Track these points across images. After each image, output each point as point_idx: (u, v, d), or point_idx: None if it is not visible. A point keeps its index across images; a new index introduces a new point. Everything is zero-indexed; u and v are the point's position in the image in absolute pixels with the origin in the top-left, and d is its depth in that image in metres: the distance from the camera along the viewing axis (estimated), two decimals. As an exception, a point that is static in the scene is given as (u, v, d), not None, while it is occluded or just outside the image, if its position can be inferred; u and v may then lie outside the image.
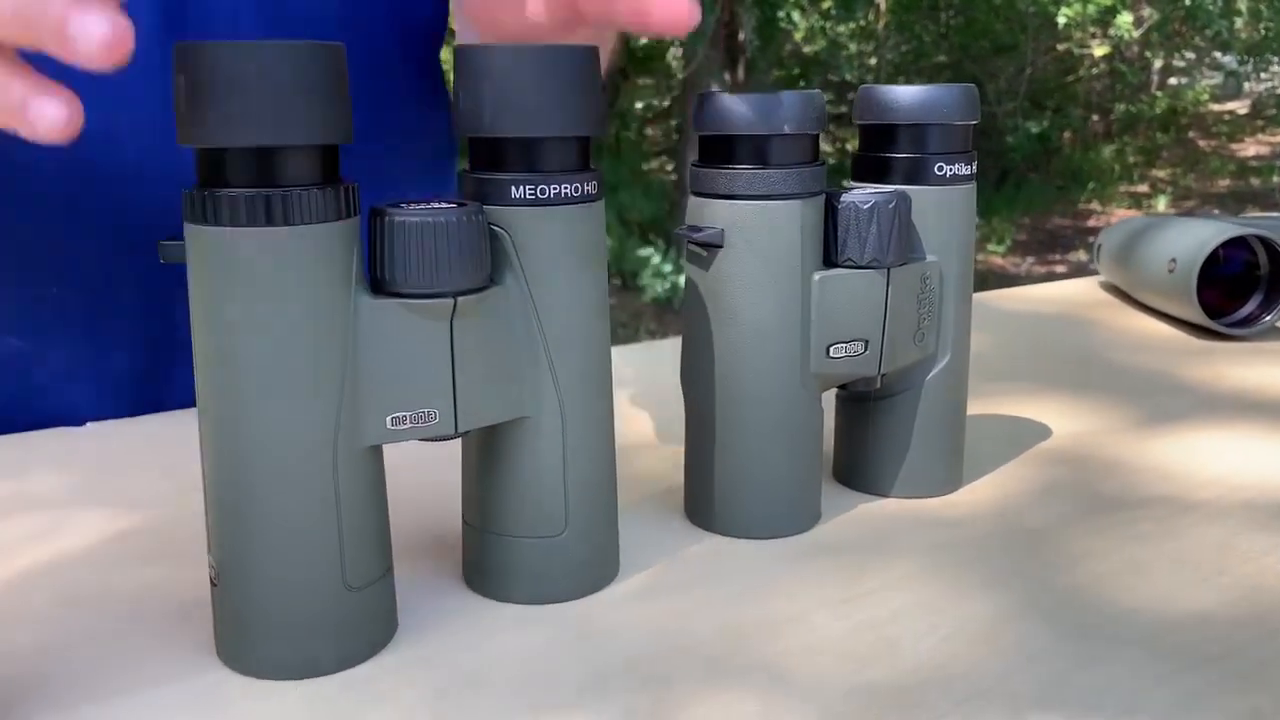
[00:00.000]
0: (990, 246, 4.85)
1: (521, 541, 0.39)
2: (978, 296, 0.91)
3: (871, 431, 0.49)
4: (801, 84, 5.12)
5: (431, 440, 0.37)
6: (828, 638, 0.38)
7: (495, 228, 0.37)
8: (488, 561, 0.40)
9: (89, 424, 0.59)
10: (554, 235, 0.37)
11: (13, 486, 0.51)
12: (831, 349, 0.45)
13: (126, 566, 0.43)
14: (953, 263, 0.47)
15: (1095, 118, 6.44)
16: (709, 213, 0.43)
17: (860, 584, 0.42)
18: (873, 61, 5.67)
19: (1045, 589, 0.41)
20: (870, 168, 0.48)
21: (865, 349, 0.45)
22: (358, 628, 0.36)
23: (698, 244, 0.43)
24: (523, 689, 0.35)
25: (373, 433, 0.35)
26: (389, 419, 0.35)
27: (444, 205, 0.36)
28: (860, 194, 0.44)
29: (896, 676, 0.35)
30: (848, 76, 5.66)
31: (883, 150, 0.47)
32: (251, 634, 0.35)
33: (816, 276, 0.44)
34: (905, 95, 0.46)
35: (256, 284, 0.33)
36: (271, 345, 0.33)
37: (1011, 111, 5.26)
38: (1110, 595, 0.41)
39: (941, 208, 0.47)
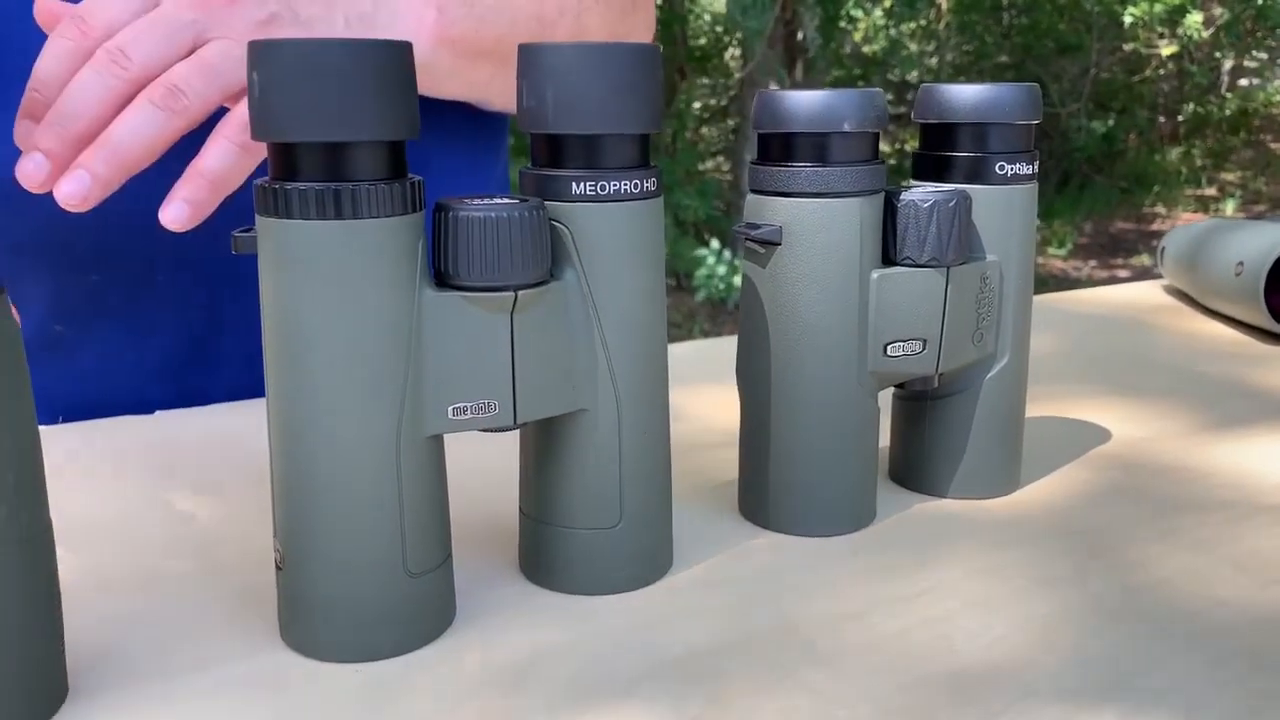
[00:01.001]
0: (1051, 249, 4.78)
1: (577, 533, 0.40)
2: (1039, 298, 0.91)
3: (928, 431, 0.49)
4: (860, 84, 5.08)
5: (491, 431, 0.38)
6: (882, 635, 0.38)
7: (556, 223, 0.37)
8: (544, 552, 0.41)
9: (158, 412, 0.60)
10: (613, 231, 0.38)
11: (87, 471, 0.53)
12: (889, 347, 0.45)
13: (196, 549, 0.44)
14: (1013, 263, 0.47)
15: (1162, 119, 6.31)
16: (767, 210, 0.43)
17: (915, 583, 0.41)
18: (933, 62, 5.62)
19: (1103, 591, 0.41)
20: (931, 167, 0.47)
21: (923, 348, 0.45)
22: (417, 614, 0.37)
23: (755, 241, 0.44)
24: (574, 680, 0.35)
25: (434, 422, 0.36)
26: (450, 409, 0.36)
27: (506, 201, 0.36)
28: (920, 192, 0.44)
29: (950, 674, 0.35)
30: (908, 76, 5.62)
31: (943, 149, 0.47)
32: (313, 617, 0.36)
33: (875, 275, 0.44)
34: (967, 94, 0.46)
35: (324, 275, 0.34)
36: (337, 335, 0.34)
37: (1074, 112, 5.17)
38: (1170, 599, 0.40)
39: (1002, 207, 0.46)
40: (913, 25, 5.53)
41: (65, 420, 0.62)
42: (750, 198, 0.44)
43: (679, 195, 4.07)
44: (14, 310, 0.32)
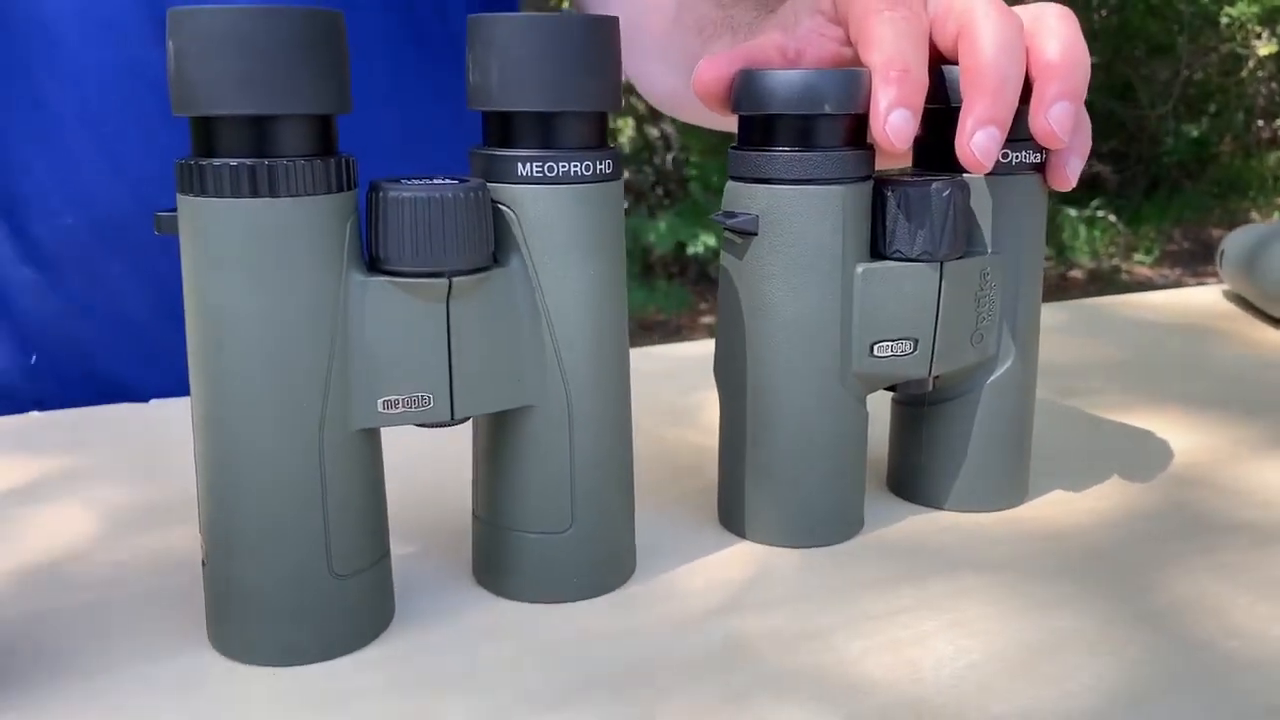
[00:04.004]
0: (1137, 256, 4.62)
1: (525, 536, 0.38)
2: (1093, 301, 0.86)
3: (925, 439, 0.46)
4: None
5: (428, 426, 0.36)
6: (842, 657, 0.35)
7: (501, 206, 0.35)
8: (493, 556, 0.39)
9: (152, 400, 0.60)
10: (563, 216, 0.35)
11: (60, 461, 0.52)
12: (876, 347, 0.41)
13: (138, 544, 0.43)
14: (1019, 259, 0.44)
15: (1260, 123, 6.07)
16: (745, 197, 0.41)
17: (892, 601, 0.38)
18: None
19: (1099, 617, 0.37)
20: (932, 154, 0.44)
21: (914, 348, 0.42)
22: (343, 616, 0.35)
23: (731, 230, 0.41)
24: (502, 690, 0.33)
25: (363, 415, 0.34)
26: (380, 402, 0.34)
27: (444, 181, 0.34)
28: (912, 181, 0.41)
29: (907, 704, 0.32)
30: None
31: (945, 135, 0.44)
32: (234, 617, 0.34)
33: (860, 268, 0.41)
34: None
35: (241, 257, 0.32)
36: (255, 321, 0.32)
37: (1163, 115, 5.00)
38: (1176, 628, 0.36)
39: (1006, 198, 0.43)
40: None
41: (37, 360, 0.62)
42: (729, 184, 0.41)
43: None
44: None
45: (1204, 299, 0.85)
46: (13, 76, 0.58)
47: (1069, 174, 0.42)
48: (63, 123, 0.59)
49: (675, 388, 0.61)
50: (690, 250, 2.92)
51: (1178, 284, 4.37)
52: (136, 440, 0.54)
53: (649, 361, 0.68)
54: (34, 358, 0.63)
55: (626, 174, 3.25)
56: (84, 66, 0.57)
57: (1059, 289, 4.09)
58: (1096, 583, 0.40)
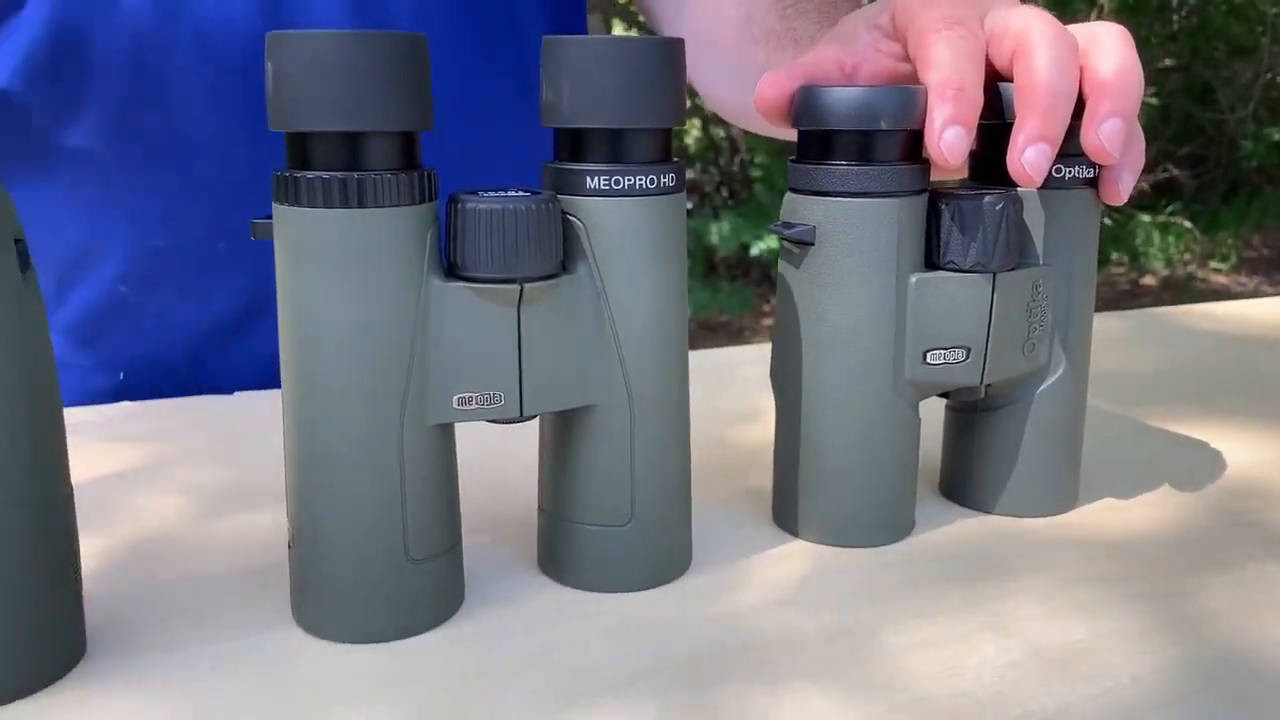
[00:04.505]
0: (1213, 264, 4.52)
1: (587, 529, 0.40)
2: (1158, 311, 0.86)
3: (976, 444, 0.47)
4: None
5: (499, 422, 0.38)
6: (888, 652, 0.36)
7: (570, 217, 0.37)
8: (557, 547, 0.41)
9: (236, 393, 0.63)
10: (628, 226, 0.37)
11: (150, 448, 0.55)
12: (929, 355, 0.43)
13: (226, 527, 0.46)
14: (1071, 271, 0.45)
15: (1346, 127, 5.88)
16: (802, 209, 0.42)
17: (938, 601, 0.40)
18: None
19: (1141, 621, 0.38)
20: (988, 168, 0.45)
21: (967, 356, 0.43)
22: (417, 599, 0.37)
23: (789, 240, 0.43)
24: (562, 676, 0.35)
25: (439, 411, 0.36)
26: (455, 399, 0.37)
27: (519, 193, 0.36)
28: (965, 194, 0.42)
29: (948, 698, 0.34)
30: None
31: (1000, 150, 0.45)
32: (317, 597, 0.37)
33: (914, 278, 0.42)
34: (1026, 92, 0.44)
35: (331, 262, 0.34)
36: (342, 322, 0.35)
37: (1243, 118, 4.89)
38: (1215, 634, 0.37)
39: (1060, 212, 0.44)
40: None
41: (126, 378, 0.66)
42: (788, 196, 0.43)
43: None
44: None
45: (1270, 311, 0.85)
46: (106, 109, 0.61)
47: (1121, 189, 0.44)
48: (155, 148, 0.62)
49: (735, 390, 0.63)
50: (754, 252, 2.93)
51: (1255, 293, 4.26)
52: (222, 429, 0.58)
53: (710, 364, 0.70)
54: (121, 375, 0.67)
55: (692, 174, 3.26)
56: (173, 90, 0.60)
57: (1131, 295, 4.01)
58: (1141, 588, 0.41)
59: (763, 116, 0.44)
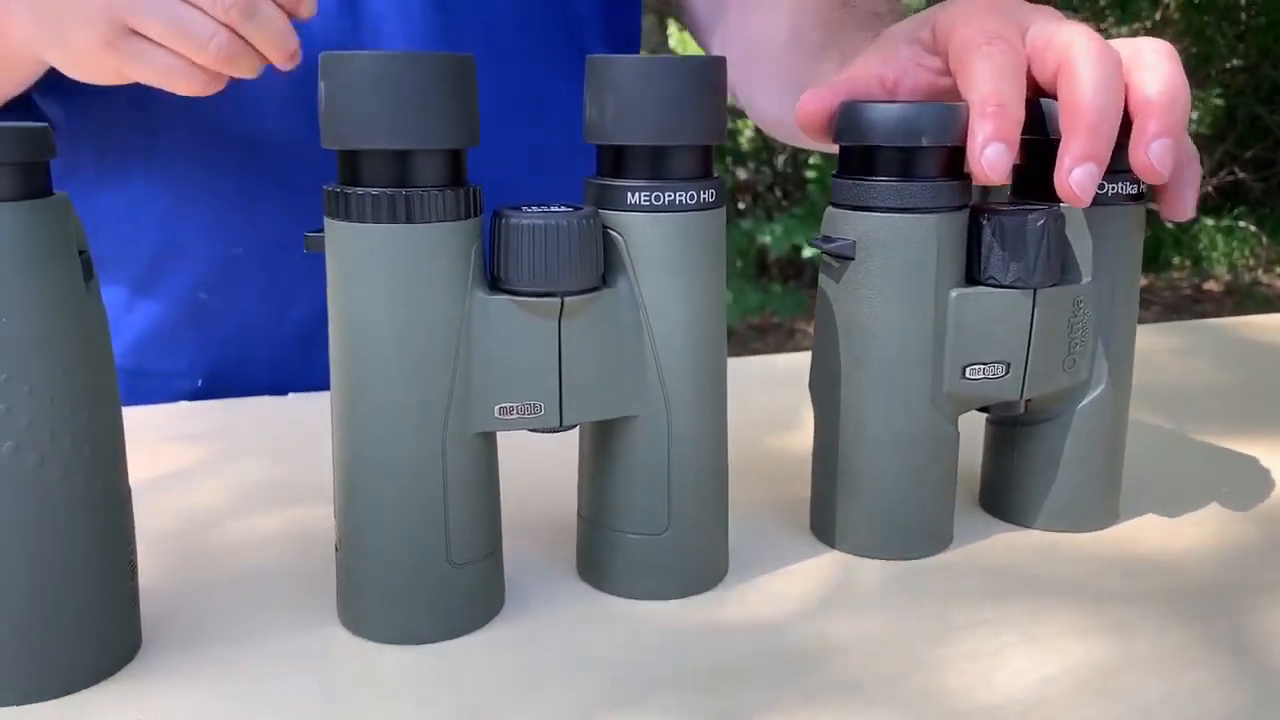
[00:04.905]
0: (1279, 269, 4.41)
1: (625, 536, 0.41)
2: (1219, 321, 0.84)
3: (1017, 458, 0.47)
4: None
5: (540, 431, 0.39)
6: (922, 664, 0.37)
7: (611, 232, 0.38)
8: (595, 554, 0.42)
9: (290, 394, 0.65)
10: (667, 241, 0.38)
11: (207, 446, 0.57)
12: (968, 369, 0.43)
13: (278, 525, 0.47)
14: (1114, 287, 0.45)
15: None
16: (843, 223, 0.43)
17: (973, 614, 0.40)
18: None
19: (1181, 639, 0.38)
20: (1032, 183, 0.45)
21: (1006, 372, 0.43)
22: (458, 602, 0.38)
23: (830, 254, 0.43)
24: (596, 682, 0.36)
25: (481, 420, 0.37)
26: (496, 408, 0.37)
27: (561, 209, 0.37)
28: (1008, 210, 0.42)
29: (980, 710, 0.34)
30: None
31: (1043, 165, 0.45)
32: (362, 598, 0.38)
33: (954, 294, 0.42)
34: (1069, 108, 0.43)
35: (379, 274, 0.35)
36: (389, 332, 0.36)
37: (1315, 121, 4.76)
38: (1251, 658, 0.37)
39: (1102, 228, 0.44)
40: (1134, 26, 5.22)
41: (204, 384, 0.67)
42: (830, 210, 0.44)
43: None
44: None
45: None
46: (185, 114, 0.63)
47: (1186, 206, 0.43)
48: (233, 153, 0.63)
49: (779, 397, 0.63)
50: (806, 254, 2.92)
51: (1324, 299, 4.15)
52: (277, 429, 0.59)
53: (756, 369, 0.70)
54: (200, 381, 0.68)
55: (745, 174, 3.26)
56: (252, 94, 0.62)
57: (1193, 301, 3.94)
58: (1178, 608, 0.41)
59: (803, 132, 0.44)
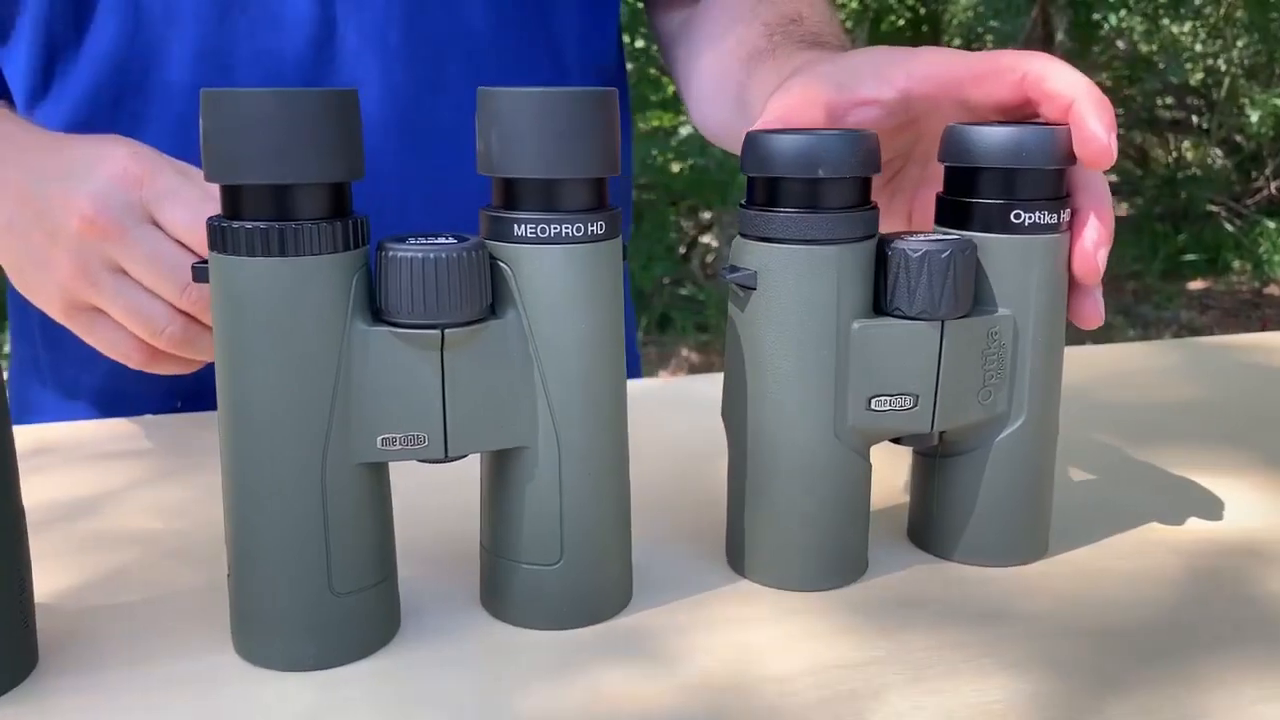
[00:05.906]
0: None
1: (519, 566, 0.41)
2: (1215, 340, 0.82)
3: (937, 490, 0.46)
4: (1128, 85, 4.71)
5: (428, 462, 0.39)
6: (799, 704, 0.36)
7: (500, 263, 0.38)
8: (494, 582, 0.42)
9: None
10: (555, 273, 0.38)
11: (120, 469, 0.58)
12: (874, 401, 0.43)
13: (189, 549, 0.48)
14: (1033, 318, 0.44)
15: None
16: (747, 253, 0.42)
17: (866, 650, 0.40)
18: (1214, 63, 5.15)
19: (1067, 685, 0.37)
20: (950, 212, 0.45)
21: (915, 404, 0.43)
22: (343, 631, 0.39)
23: (734, 284, 0.43)
24: (481, 711, 0.36)
25: (363, 450, 0.38)
26: (379, 439, 0.38)
27: (444, 241, 0.37)
28: (913, 241, 0.42)
29: (840, 758, 0.34)
30: (1192, 80, 5.17)
31: (963, 194, 0.44)
32: (249, 625, 0.39)
33: (856, 325, 0.42)
34: (987, 137, 0.43)
35: (258, 306, 0.36)
36: (266, 362, 0.36)
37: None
38: (1147, 706, 0.36)
39: (1021, 258, 0.43)
40: (1193, 23, 5.09)
41: (183, 405, 0.69)
42: (736, 239, 0.43)
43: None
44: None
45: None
46: (165, 133, 0.64)
47: (1097, 308, 0.45)
48: None
49: (704, 421, 0.62)
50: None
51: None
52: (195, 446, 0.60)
53: (680, 393, 0.70)
54: (179, 403, 0.70)
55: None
56: None
57: (1252, 305, 3.83)
58: (1080, 650, 0.40)
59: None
